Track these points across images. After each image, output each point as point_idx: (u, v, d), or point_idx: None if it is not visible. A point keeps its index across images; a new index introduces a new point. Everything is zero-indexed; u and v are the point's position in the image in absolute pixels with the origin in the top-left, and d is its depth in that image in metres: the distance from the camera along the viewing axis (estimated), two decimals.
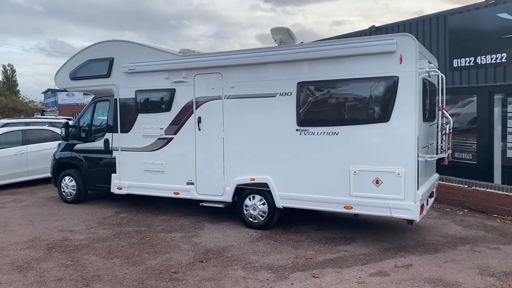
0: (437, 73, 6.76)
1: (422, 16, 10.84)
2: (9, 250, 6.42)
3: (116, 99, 8.55)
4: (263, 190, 7.15)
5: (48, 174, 10.41)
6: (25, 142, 11.98)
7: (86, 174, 9.27)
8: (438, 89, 6.93)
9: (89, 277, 5.35)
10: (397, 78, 6.00)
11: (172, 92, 7.87)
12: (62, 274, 5.46)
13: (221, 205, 7.61)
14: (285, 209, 7.08)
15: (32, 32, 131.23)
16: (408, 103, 5.97)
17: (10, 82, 69.78)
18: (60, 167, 9.74)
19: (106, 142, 8.79)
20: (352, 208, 6.41)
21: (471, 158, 9.93)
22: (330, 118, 6.55)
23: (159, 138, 8.06)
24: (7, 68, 69.98)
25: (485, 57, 9.28)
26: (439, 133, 6.78)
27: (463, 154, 10.12)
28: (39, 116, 38.52)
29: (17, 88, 68.73)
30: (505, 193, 8.13)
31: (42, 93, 62.92)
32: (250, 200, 7.32)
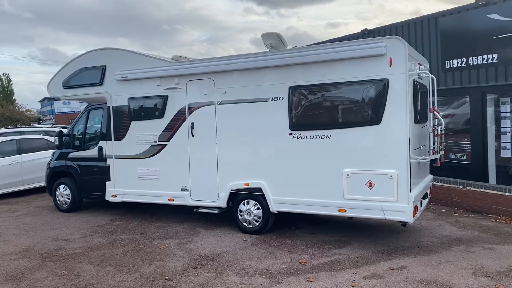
0: (428, 75, 6.79)
1: (413, 18, 10.88)
2: (3, 261, 6.39)
3: (109, 107, 8.55)
4: (257, 195, 7.15)
5: (43, 183, 10.38)
6: (20, 151, 11.96)
7: (80, 183, 9.25)
8: (429, 90, 6.95)
9: (82, 286, 5.33)
10: (387, 80, 6.02)
11: (164, 98, 7.88)
12: (56, 284, 5.44)
13: (215, 211, 7.61)
14: (280, 213, 7.08)
15: (23, 40, 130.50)
16: (399, 105, 5.99)
17: (6, 91, 69.61)
18: (55, 176, 9.72)
19: (100, 150, 8.78)
20: (346, 211, 6.41)
21: (465, 158, 9.95)
22: (322, 121, 6.56)
23: (152, 145, 8.06)
24: (3, 77, 69.90)
25: (477, 58, 9.31)
26: (431, 134, 6.80)
27: (458, 154, 10.14)
28: (36, 125, 38.44)
29: (13, 98, 68.60)
30: (499, 193, 8.15)
31: (38, 101, 62.84)
32: (244, 205, 7.31)
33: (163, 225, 8.13)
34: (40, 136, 13.97)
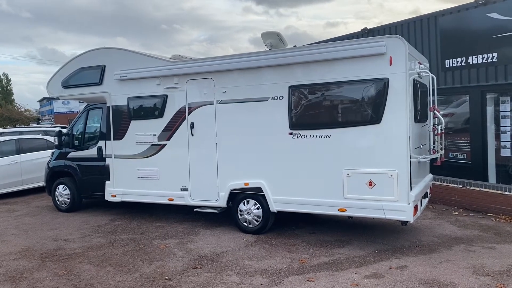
0: (428, 74, 6.78)
1: (413, 18, 10.87)
2: (2, 261, 6.37)
3: (108, 107, 8.53)
4: (257, 195, 7.13)
5: (43, 183, 10.35)
6: (19, 151, 11.93)
7: (80, 183, 9.23)
8: (429, 89, 6.94)
9: (82, 286, 5.31)
10: (388, 80, 6.01)
11: (164, 98, 7.86)
12: (55, 284, 5.42)
13: (215, 211, 7.59)
14: (280, 213, 7.07)
15: (22, 40, 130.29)
16: (399, 104, 5.98)
17: (5, 91, 69.48)
18: (54, 175, 9.70)
19: (99, 149, 8.76)
20: (346, 210, 6.40)
21: (465, 157, 9.94)
22: (322, 121, 6.55)
23: (152, 145, 8.04)
24: (2, 77, 69.72)
25: (477, 57, 9.31)
26: (431, 133, 6.78)
27: (458, 153, 10.13)
28: (35, 124, 38.38)
29: (13, 97, 68.45)
30: (499, 192, 8.14)
31: (37, 101, 62.78)
32: (244, 204, 7.29)
33: (163, 225, 8.11)
34: (39, 136, 13.95)
